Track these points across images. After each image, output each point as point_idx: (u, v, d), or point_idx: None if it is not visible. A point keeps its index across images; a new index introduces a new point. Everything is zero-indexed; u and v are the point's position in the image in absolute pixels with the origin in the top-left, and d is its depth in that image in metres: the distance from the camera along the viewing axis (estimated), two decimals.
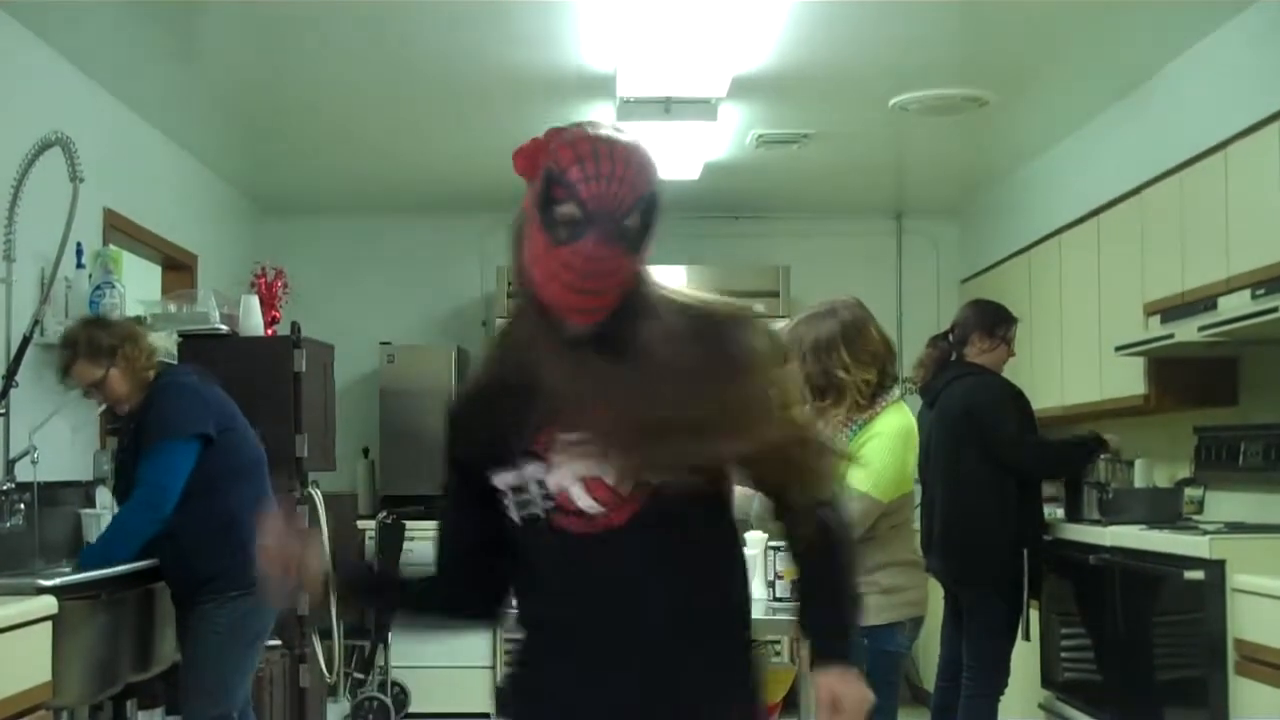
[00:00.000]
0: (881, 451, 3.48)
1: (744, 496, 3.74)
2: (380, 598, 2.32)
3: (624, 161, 1.82)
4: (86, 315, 4.27)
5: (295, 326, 5.17)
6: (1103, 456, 5.12)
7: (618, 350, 1.84)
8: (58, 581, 3.46)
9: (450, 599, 2.09)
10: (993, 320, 4.92)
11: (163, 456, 3.84)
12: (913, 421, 3.60)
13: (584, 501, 1.86)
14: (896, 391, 3.62)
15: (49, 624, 3.29)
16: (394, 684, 6.48)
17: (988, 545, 4.71)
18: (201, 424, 3.92)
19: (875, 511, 3.49)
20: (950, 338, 4.98)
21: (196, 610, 3.84)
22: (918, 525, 4.58)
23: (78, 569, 3.78)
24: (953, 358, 4.95)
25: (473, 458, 1.95)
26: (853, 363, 3.51)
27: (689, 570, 1.91)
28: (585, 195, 1.79)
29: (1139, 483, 5.18)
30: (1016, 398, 4.86)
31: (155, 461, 3.84)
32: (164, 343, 4.57)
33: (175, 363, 4.16)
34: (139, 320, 4.62)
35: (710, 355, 1.88)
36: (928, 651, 5.54)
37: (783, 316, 6.81)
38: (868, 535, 3.53)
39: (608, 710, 1.90)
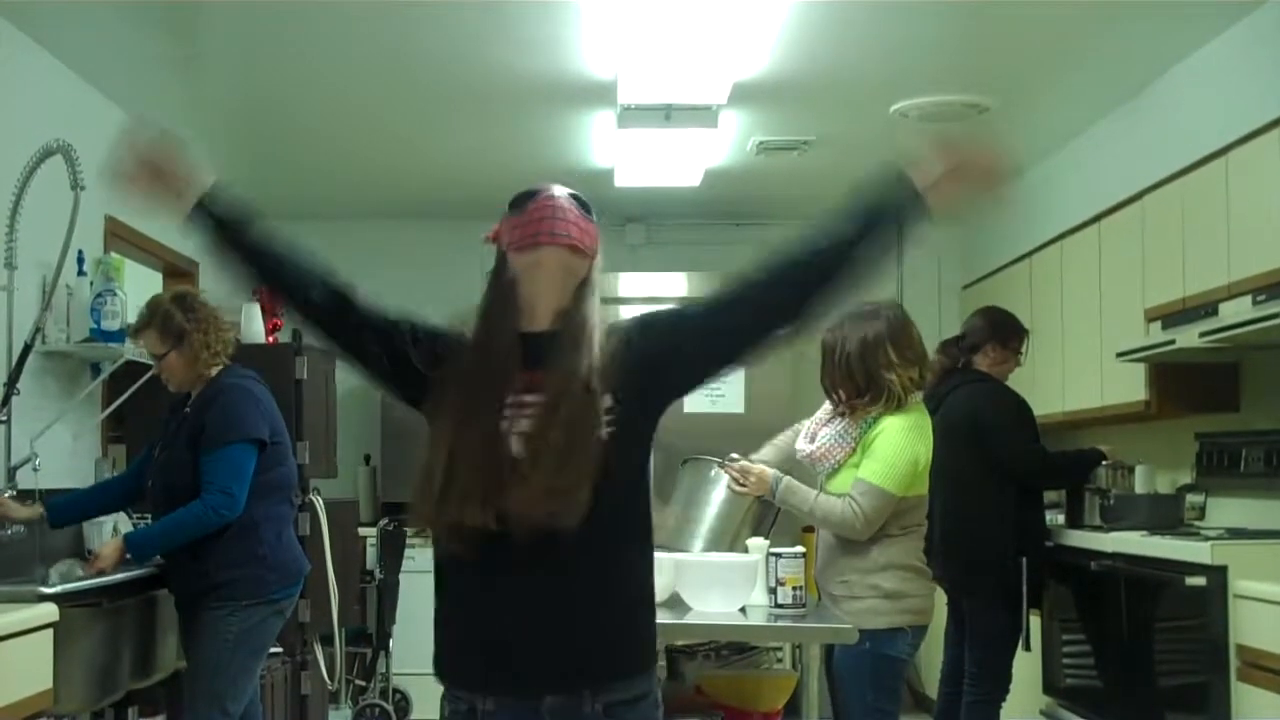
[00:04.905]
0: (890, 444, 3.52)
1: (787, 445, 3.82)
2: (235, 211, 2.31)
3: None
4: (181, 288, 4.24)
5: (297, 334, 5.17)
6: (1104, 463, 5.12)
7: None
8: (58, 589, 3.46)
9: (307, 279, 2.28)
10: (1008, 332, 4.93)
11: (231, 460, 3.83)
12: (925, 418, 3.63)
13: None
14: (918, 394, 3.68)
15: (49, 631, 3.28)
16: (396, 691, 6.47)
17: (987, 553, 4.70)
18: (263, 429, 3.93)
19: (889, 505, 3.50)
20: (960, 344, 4.98)
21: (207, 615, 3.83)
22: None
23: (124, 547, 3.83)
24: (960, 364, 4.94)
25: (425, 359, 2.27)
26: (899, 361, 3.57)
27: None
28: None
29: (1140, 489, 5.17)
30: (1021, 406, 4.86)
31: (224, 464, 3.82)
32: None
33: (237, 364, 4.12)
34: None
35: None
36: (930, 657, 5.53)
37: None
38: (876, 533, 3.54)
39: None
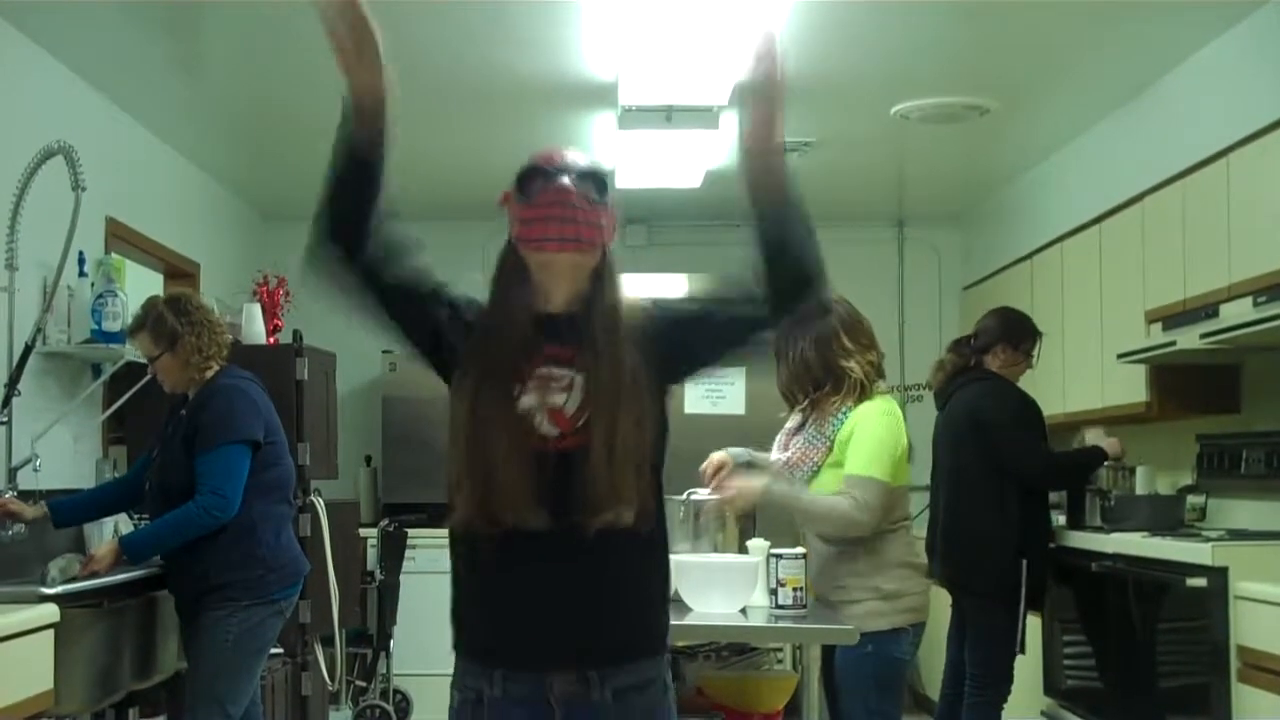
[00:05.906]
0: (868, 434, 3.51)
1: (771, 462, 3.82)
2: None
3: None
4: (177, 291, 4.24)
5: (297, 335, 5.17)
6: (1105, 463, 5.12)
7: None
8: (59, 589, 3.46)
9: (374, 176, 2.17)
10: (1019, 335, 4.92)
11: (225, 461, 3.83)
12: (894, 405, 3.63)
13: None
14: (882, 384, 3.67)
15: (50, 632, 3.28)
16: (396, 692, 6.47)
17: (988, 552, 4.69)
18: (257, 430, 3.93)
19: (883, 492, 3.47)
20: (971, 344, 4.97)
21: (207, 616, 3.83)
22: (920, 531, 4.57)
23: (120, 549, 3.82)
24: (971, 363, 4.94)
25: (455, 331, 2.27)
26: (855, 348, 3.59)
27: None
28: None
29: (1141, 490, 5.17)
30: (1026, 405, 4.85)
31: (218, 466, 3.81)
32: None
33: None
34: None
35: None
36: (931, 658, 5.53)
37: None
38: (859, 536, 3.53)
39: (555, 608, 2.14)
